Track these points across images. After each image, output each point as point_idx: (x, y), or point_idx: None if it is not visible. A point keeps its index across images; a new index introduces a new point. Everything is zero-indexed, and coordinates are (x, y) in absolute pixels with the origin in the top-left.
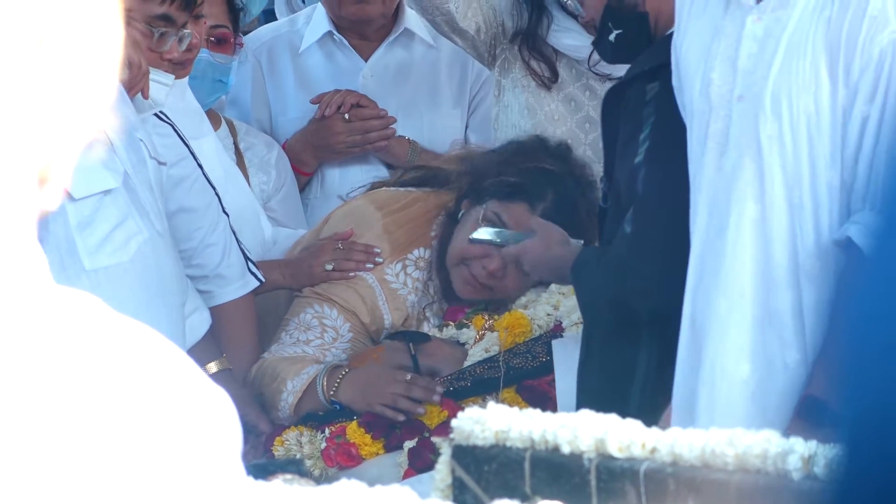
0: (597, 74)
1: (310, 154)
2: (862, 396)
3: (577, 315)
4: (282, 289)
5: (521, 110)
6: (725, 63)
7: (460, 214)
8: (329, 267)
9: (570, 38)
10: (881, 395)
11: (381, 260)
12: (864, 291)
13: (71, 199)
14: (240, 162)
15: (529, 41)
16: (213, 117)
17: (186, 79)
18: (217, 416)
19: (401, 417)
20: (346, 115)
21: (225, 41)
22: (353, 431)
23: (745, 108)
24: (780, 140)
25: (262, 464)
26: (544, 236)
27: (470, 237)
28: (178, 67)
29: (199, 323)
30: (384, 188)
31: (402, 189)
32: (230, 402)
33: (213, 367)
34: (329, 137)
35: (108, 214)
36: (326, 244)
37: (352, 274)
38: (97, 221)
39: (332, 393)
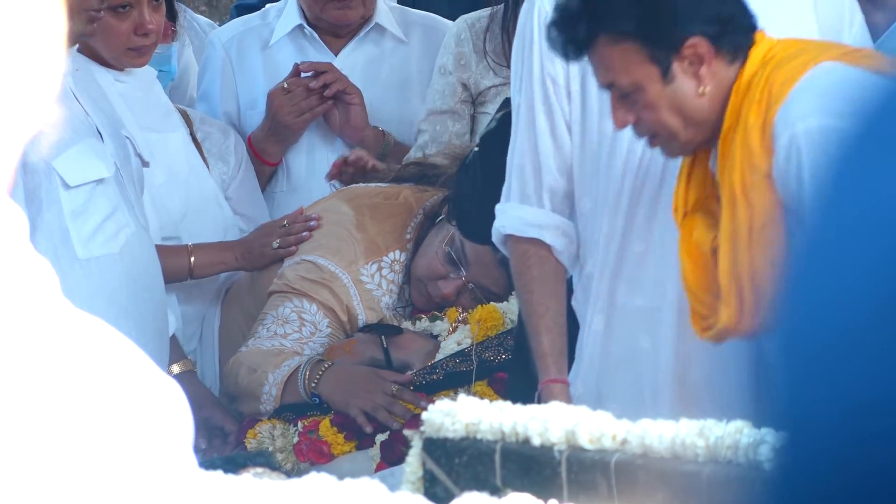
0: None
1: (271, 141)
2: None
3: None
4: (235, 270)
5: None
6: None
7: (438, 219)
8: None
9: None
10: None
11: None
12: (805, 277)
13: (66, 186)
14: (199, 152)
15: (510, 25)
16: None
17: (155, 74)
18: (168, 408)
19: (368, 429)
20: (285, 84)
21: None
22: (326, 429)
23: None
24: None
25: (231, 457)
26: None
27: None
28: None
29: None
30: (359, 184)
31: (380, 184)
32: (182, 395)
33: (175, 368)
34: (278, 116)
35: (101, 204)
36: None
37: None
38: (90, 211)
39: (313, 385)
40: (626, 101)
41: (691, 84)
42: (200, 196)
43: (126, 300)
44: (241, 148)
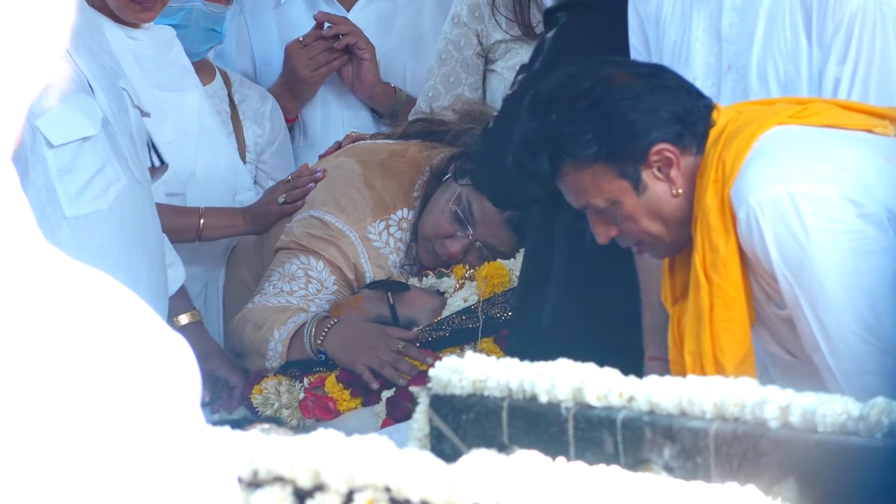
0: None
1: (288, 97)
2: None
3: None
4: (244, 234)
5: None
6: (708, 33)
7: (445, 177)
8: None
9: None
10: None
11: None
12: None
13: (49, 145)
14: (234, 114)
15: None
16: (207, 68)
17: (174, 33)
18: (174, 362)
19: (375, 385)
20: (301, 38)
21: None
22: (332, 385)
23: (735, 79)
24: None
25: (239, 419)
26: None
27: None
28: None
29: (174, 277)
30: (366, 141)
31: (387, 141)
32: (188, 349)
33: (183, 318)
34: (296, 70)
35: (88, 161)
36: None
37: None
38: (77, 168)
39: (319, 342)
40: (605, 216)
41: (664, 187)
42: (212, 157)
43: (117, 256)
44: (278, 115)
